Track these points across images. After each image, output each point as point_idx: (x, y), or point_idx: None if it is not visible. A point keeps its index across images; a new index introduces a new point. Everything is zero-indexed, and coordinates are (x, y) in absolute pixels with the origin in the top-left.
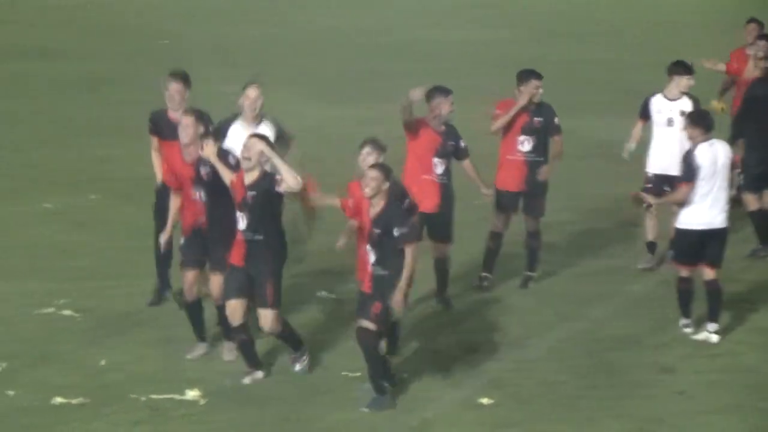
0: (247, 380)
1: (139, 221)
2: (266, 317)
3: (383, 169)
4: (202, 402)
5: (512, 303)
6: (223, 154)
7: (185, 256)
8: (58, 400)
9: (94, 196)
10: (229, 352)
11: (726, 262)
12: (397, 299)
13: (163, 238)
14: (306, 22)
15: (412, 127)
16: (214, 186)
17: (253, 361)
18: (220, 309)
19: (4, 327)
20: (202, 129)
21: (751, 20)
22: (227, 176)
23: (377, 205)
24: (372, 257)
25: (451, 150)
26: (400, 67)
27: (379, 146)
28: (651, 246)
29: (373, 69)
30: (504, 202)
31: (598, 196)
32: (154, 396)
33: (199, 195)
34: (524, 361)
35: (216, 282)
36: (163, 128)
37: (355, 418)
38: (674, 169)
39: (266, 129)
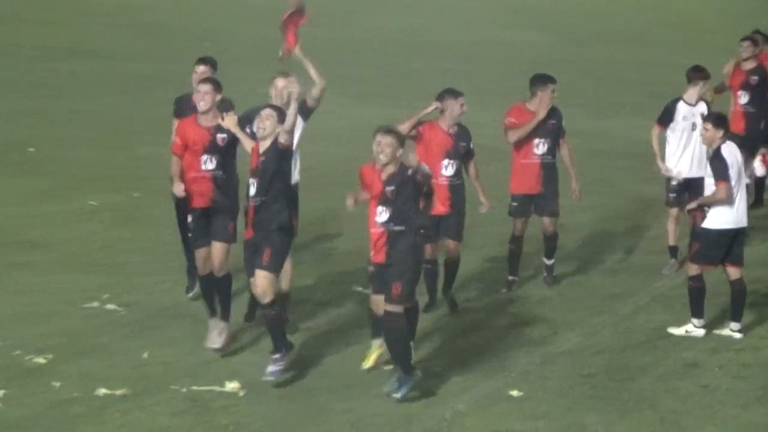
0: (271, 368)
1: None
2: (259, 278)
3: (397, 135)
4: (241, 394)
5: (540, 299)
6: (242, 124)
7: (195, 235)
8: (102, 391)
9: (137, 193)
10: (218, 335)
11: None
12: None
13: (177, 188)
14: (349, 24)
15: (416, 136)
16: (226, 154)
17: (281, 340)
18: (219, 281)
19: (50, 320)
20: (219, 97)
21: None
22: (248, 144)
23: (389, 170)
24: (384, 216)
25: (464, 151)
26: (436, 67)
27: (396, 135)
28: (673, 250)
29: (409, 69)
30: (520, 207)
31: (627, 194)
32: (194, 387)
33: (207, 161)
34: (552, 354)
35: (217, 251)
36: (185, 110)
37: (388, 410)
38: (694, 172)
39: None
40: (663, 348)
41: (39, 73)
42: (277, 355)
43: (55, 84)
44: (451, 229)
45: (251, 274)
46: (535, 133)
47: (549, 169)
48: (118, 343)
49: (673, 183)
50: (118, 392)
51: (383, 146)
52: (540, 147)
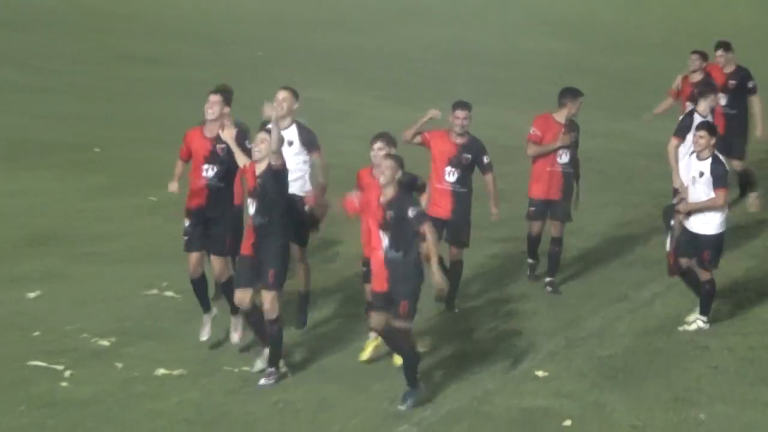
0: (259, 364)
1: None
2: (266, 298)
3: (397, 159)
4: (289, 375)
5: (563, 288)
6: (241, 139)
7: (189, 239)
8: (161, 371)
9: None
10: (235, 332)
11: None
12: (436, 281)
13: (171, 186)
14: (395, 33)
15: (423, 142)
16: (225, 164)
17: (277, 357)
18: (224, 285)
19: (114, 306)
20: (227, 109)
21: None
22: (241, 160)
23: (388, 193)
24: (385, 241)
25: (466, 162)
26: (472, 73)
27: (390, 141)
28: None
29: (448, 75)
30: (538, 212)
31: (644, 190)
32: (246, 368)
33: (208, 170)
34: (575, 338)
35: (216, 263)
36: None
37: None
38: None
39: (293, 131)
40: (677, 332)
41: (104, 78)
42: (271, 369)
43: (119, 89)
44: (453, 235)
45: (240, 285)
46: (566, 143)
47: (568, 177)
48: (176, 327)
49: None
50: (176, 372)
51: (384, 169)
52: (563, 157)
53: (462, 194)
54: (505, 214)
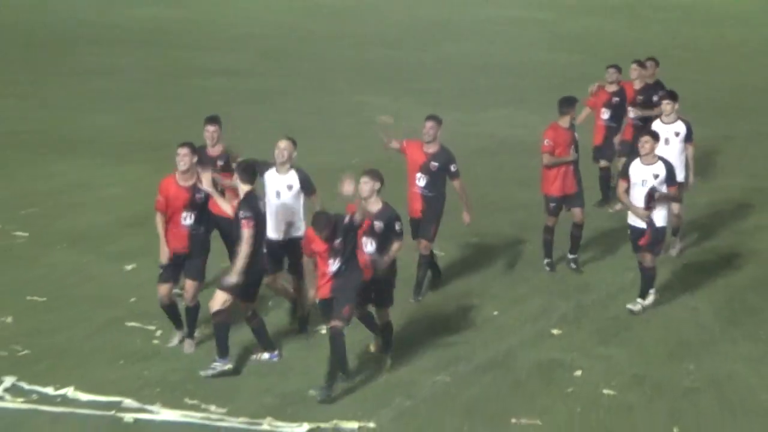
0: (256, 356)
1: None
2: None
3: (372, 174)
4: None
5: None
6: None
7: (164, 272)
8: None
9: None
10: (189, 346)
11: None
12: (384, 261)
13: (163, 256)
14: (428, 48)
15: (401, 150)
16: (202, 209)
17: (265, 341)
18: (192, 310)
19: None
20: (196, 158)
21: (612, 66)
22: (224, 205)
23: (376, 205)
24: (370, 247)
25: (434, 169)
26: (495, 82)
27: (375, 175)
28: (675, 231)
29: (474, 84)
30: (557, 207)
31: None
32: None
33: (187, 217)
34: (585, 303)
35: (190, 287)
36: (201, 161)
37: (454, 344)
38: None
39: (293, 176)
40: (670, 296)
41: (186, 88)
42: (219, 359)
43: (198, 96)
44: (423, 230)
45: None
46: (571, 144)
47: (578, 171)
48: None
49: None
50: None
51: (362, 185)
52: (573, 155)
53: (430, 198)
54: (526, 198)
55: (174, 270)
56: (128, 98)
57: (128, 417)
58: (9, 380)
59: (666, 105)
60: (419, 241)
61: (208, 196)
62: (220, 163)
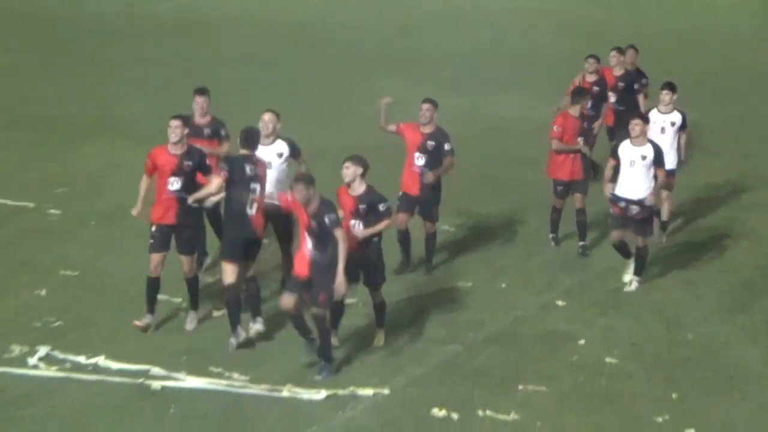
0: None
1: None
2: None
3: (354, 159)
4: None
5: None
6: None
7: (155, 242)
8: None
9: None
10: (191, 321)
11: None
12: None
13: (135, 210)
14: (442, 36)
15: (398, 132)
16: (190, 178)
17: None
18: (192, 281)
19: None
20: (186, 130)
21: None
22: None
23: (359, 189)
24: (358, 227)
25: (431, 148)
26: (507, 70)
27: (358, 161)
28: (665, 224)
29: (487, 72)
30: (564, 191)
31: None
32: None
33: (174, 182)
34: (588, 277)
35: (185, 261)
36: (190, 129)
37: (462, 318)
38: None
39: (281, 144)
40: (669, 270)
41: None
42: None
43: (227, 87)
44: (424, 211)
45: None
46: (579, 131)
47: (586, 159)
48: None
49: None
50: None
51: (344, 170)
52: (581, 142)
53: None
54: (534, 177)
55: (162, 240)
56: (161, 87)
57: (156, 384)
58: (43, 350)
59: (665, 95)
60: (424, 223)
61: (196, 167)
62: (207, 131)
